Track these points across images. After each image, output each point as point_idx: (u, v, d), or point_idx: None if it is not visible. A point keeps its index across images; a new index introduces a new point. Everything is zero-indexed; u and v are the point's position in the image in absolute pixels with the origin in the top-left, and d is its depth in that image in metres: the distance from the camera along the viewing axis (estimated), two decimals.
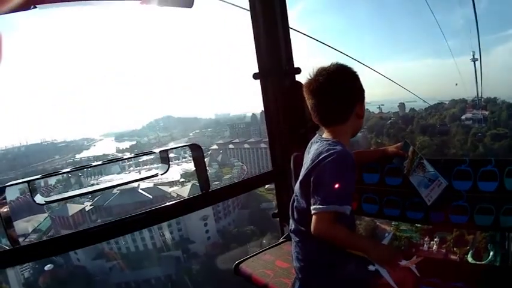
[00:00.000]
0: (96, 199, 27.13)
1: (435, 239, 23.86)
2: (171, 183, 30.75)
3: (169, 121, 47.67)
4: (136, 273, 25.23)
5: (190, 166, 31.20)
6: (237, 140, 40.26)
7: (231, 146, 39.89)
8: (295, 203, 1.93)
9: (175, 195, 28.59)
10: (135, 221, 2.46)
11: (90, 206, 27.64)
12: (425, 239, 24.15)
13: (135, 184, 26.64)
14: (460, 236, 22.83)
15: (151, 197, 27.72)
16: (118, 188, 23.62)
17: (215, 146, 39.06)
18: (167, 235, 26.86)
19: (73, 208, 26.25)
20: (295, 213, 1.94)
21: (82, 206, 27.10)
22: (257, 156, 37.43)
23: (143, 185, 27.67)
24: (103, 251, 25.03)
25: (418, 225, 24.14)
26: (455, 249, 22.24)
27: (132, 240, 25.06)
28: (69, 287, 23.26)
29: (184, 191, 28.19)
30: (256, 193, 29.23)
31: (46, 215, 26.51)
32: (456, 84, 38.67)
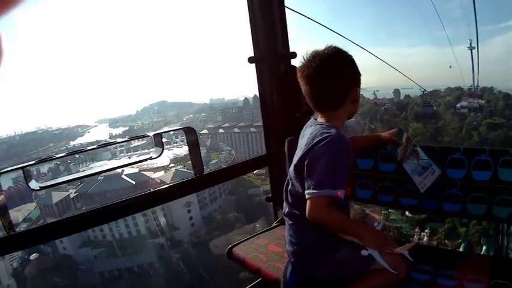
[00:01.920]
0: (80, 186, 26.88)
1: (426, 230, 23.52)
2: (158, 169, 30.50)
3: (164, 106, 47.54)
4: (120, 260, 25.10)
5: (181, 151, 31.18)
6: (227, 125, 39.85)
7: (221, 130, 39.53)
8: (289, 187, 1.93)
9: (158, 181, 28.42)
10: (130, 205, 2.45)
11: (75, 193, 27.27)
12: (416, 229, 23.77)
13: (119, 170, 26.49)
14: (452, 228, 22.64)
15: (134, 182, 27.51)
16: (103, 174, 23.57)
17: (205, 131, 38.57)
18: (151, 222, 26.77)
19: (57, 196, 25.93)
20: (289, 196, 1.94)
21: (66, 194, 26.76)
22: (247, 140, 37.22)
23: (127, 170, 27.51)
24: (89, 239, 24.94)
25: (409, 215, 23.93)
26: (446, 241, 22.06)
27: (117, 227, 24.86)
28: (55, 277, 23.10)
29: (167, 177, 28.12)
30: (244, 178, 29.12)
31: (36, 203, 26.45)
32: (450, 67, 38.26)
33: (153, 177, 29.42)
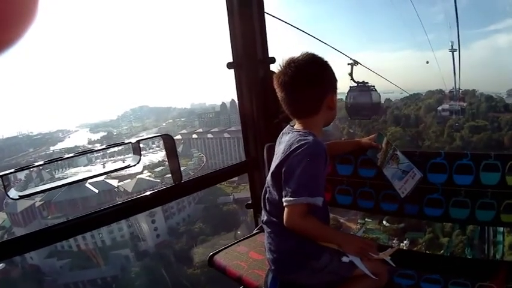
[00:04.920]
0: (45, 194, 25.92)
1: (405, 241, 23.14)
2: (126, 177, 30.15)
3: (145, 111, 47.38)
4: (85, 272, 24.94)
5: (157, 157, 30.80)
6: (200, 130, 39.91)
7: (194, 136, 39.53)
8: (267, 194, 1.92)
9: (122, 189, 28.43)
10: (109, 214, 2.41)
11: (40, 201, 26.93)
12: (394, 240, 23.12)
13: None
14: (433, 239, 22.52)
15: (97, 191, 27.40)
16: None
17: (179, 136, 38.13)
18: (116, 232, 26.60)
19: (22, 204, 25.49)
20: (267, 204, 1.93)
21: (32, 202, 26.32)
22: (220, 146, 37.26)
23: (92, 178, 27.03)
24: (56, 249, 24.53)
25: (387, 224, 23.72)
26: (427, 252, 21.72)
27: (82, 237, 24.36)
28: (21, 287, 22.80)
29: (130, 186, 28.13)
30: (215, 186, 28.47)
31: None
32: (427, 62, 38.32)
33: (116, 185, 29.21)
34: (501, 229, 18.02)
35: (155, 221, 27.51)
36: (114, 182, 29.39)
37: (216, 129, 38.66)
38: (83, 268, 24.90)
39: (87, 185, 27.08)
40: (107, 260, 25.36)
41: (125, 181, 29.68)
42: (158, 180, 29.24)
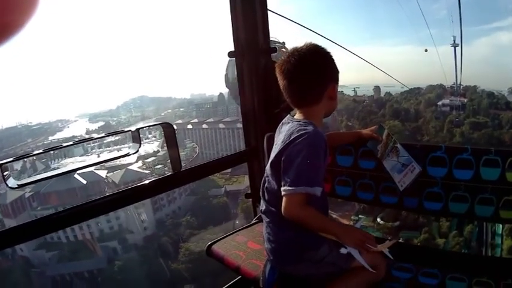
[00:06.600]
0: (34, 185, 25.52)
1: (399, 240, 21.91)
2: (118, 167, 29.89)
3: (144, 101, 47.21)
4: (73, 264, 24.89)
5: (152, 147, 30.54)
6: (195, 120, 39.78)
7: (189, 126, 39.46)
8: (266, 184, 1.92)
9: (110, 180, 28.40)
10: (103, 204, 2.38)
11: (30, 192, 26.84)
12: (388, 238, 22.08)
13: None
14: (429, 239, 22.09)
15: (85, 182, 27.31)
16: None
17: (174, 127, 37.16)
18: (104, 224, 26.53)
19: (12, 195, 25.45)
20: (266, 194, 1.92)
21: (22, 193, 26.25)
22: (214, 137, 37.24)
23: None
24: (45, 240, 24.43)
25: (381, 222, 23.54)
26: (425, 246, 21.37)
27: (71, 229, 24.06)
28: (8, 280, 22.65)
29: (117, 178, 28.09)
30: (207, 177, 27.99)
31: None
32: (426, 50, 38.03)
33: (105, 176, 29.15)
34: (499, 231, 18.01)
35: (142, 212, 27.48)
36: (103, 173, 29.41)
37: (211, 120, 38.55)
38: (71, 260, 24.90)
39: (76, 175, 26.95)
40: (94, 253, 25.39)
41: (114, 172, 29.62)
42: (148, 172, 29.23)
